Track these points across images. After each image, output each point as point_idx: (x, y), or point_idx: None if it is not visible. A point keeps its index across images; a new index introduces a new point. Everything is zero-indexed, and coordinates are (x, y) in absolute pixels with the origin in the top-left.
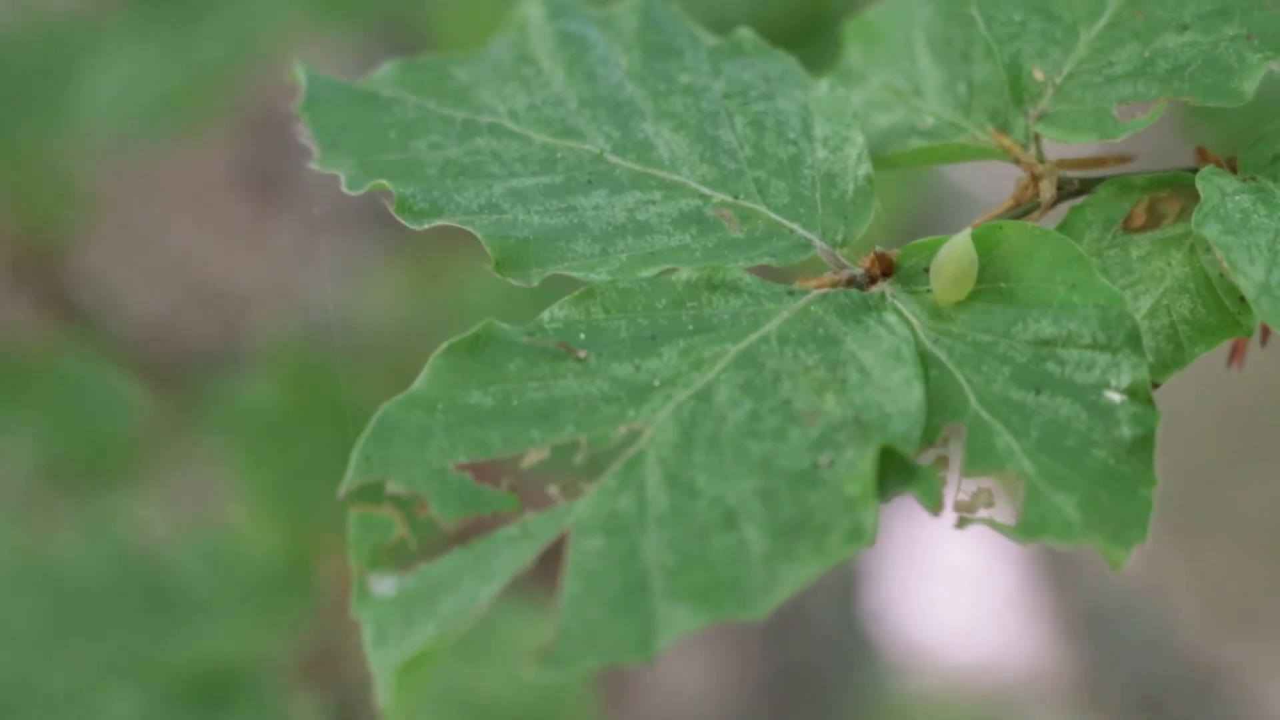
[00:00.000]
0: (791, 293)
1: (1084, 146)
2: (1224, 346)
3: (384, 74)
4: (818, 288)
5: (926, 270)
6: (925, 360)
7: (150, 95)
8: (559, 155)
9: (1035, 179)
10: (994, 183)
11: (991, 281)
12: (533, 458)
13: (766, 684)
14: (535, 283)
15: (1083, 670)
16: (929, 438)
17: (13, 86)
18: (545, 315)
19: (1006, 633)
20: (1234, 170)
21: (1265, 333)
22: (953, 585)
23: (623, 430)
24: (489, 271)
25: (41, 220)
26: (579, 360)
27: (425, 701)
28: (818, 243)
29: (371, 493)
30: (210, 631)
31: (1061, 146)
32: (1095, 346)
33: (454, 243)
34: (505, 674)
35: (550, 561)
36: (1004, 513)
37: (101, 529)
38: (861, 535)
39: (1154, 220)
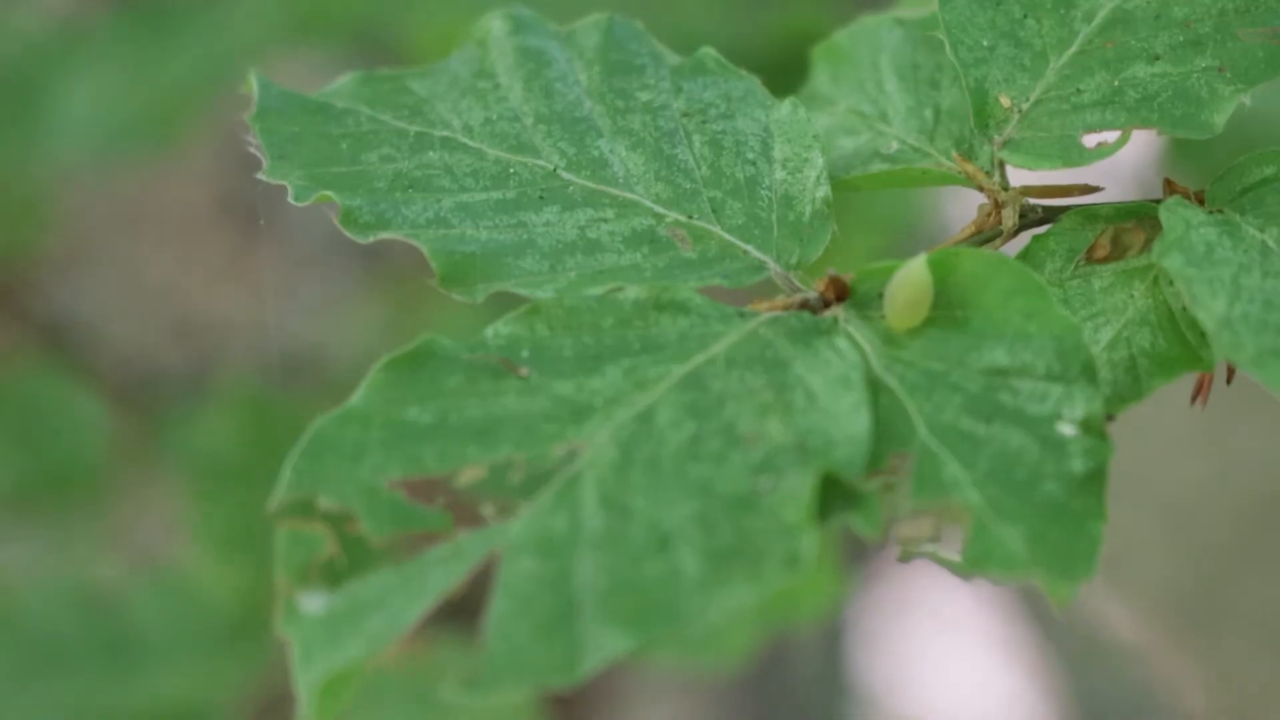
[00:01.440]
0: (742, 314)
1: (1050, 175)
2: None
3: (340, 86)
4: (770, 310)
5: (881, 295)
6: (875, 387)
7: (122, 114)
8: (512, 170)
9: (998, 206)
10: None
11: (946, 309)
12: (469, 476)
13: None
14: (480, 299)
15: None
16: (876, 466)
17: None
18: (489, 331)
19: (996, 690)
20: (1201, 203)
21: (1231, 370)
22: (944, 640)
23: (561, 450)
24: (442, 294)
25: (11, 242)
26: (520, 378)
27: None
28: (772, 265)
29: (303, 509)
30: (167, 675)
31: (1029, 175)
32: (1049, 378)
33: (430, 278)
34: (456, 717)
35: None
36: (950, 546)
37: (61, 569)
38: (798, 562)
39: (1118, 251)
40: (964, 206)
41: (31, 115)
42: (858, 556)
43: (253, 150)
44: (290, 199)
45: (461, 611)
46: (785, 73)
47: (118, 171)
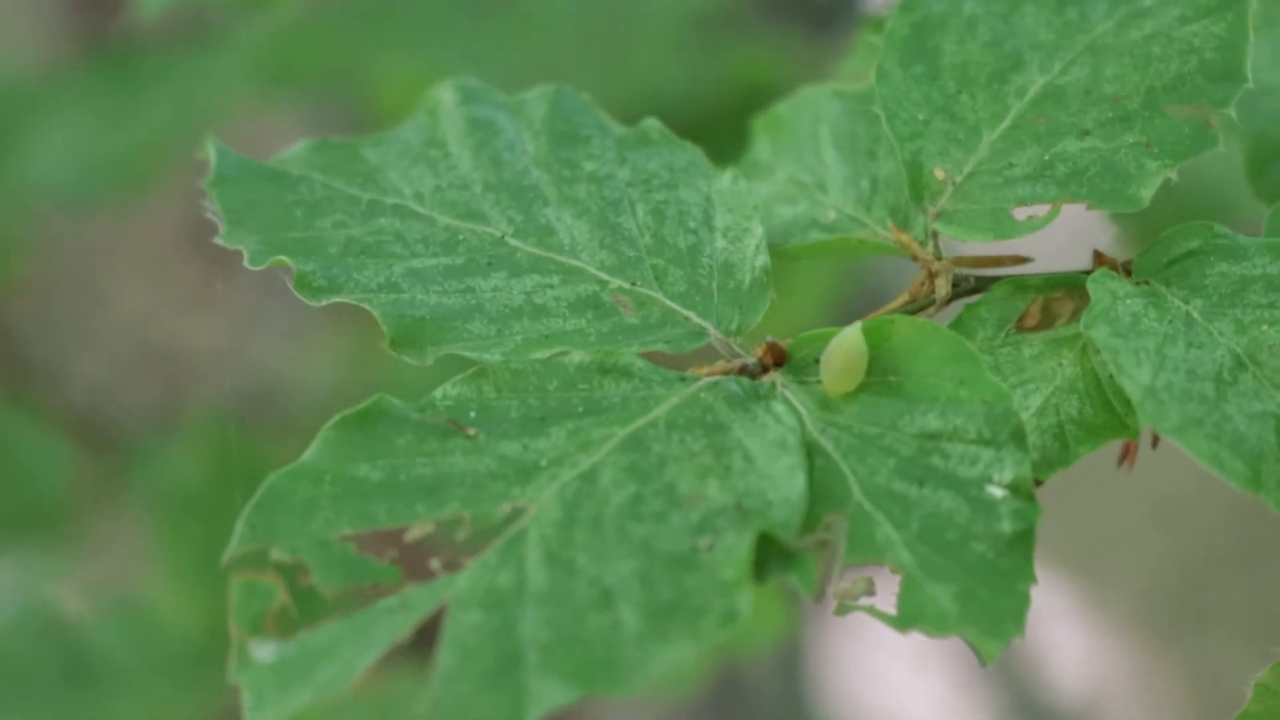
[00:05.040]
0: (683, 379)
1: (984, 246)
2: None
3: (295, 153)
4: (710, 375)
5: (818, 361)
6: (812, 450)
7: (93, 161)
8: (461, 237)
9: (931, 275)
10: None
11: (881, 374)
12: (417, 532)
13: None
14: (429, 361)
15: None
16: (811, 526)
17: None
18: (438, 393)
19: (961, 707)
20: (1129, 273)
21: (1156, 437)
22: (905, 651)
23: (507, 508)
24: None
25: None
26: (468, 438)
27: None
28: (712, 331)
29: (256, 560)
30: (129, 702)
31: (963, 245)
32: (980, 442)
33: (382, 340)
34: None
35: None
36: (885, 603)
37: (25, 598)
38: (734, 619)
39: (1048, 320)
40: (900, 272)
41: (4, 160)
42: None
43: (210, 216)
44: (246, 264)
45: (423, 639)
46: (739, 117)
47: (88, 210)
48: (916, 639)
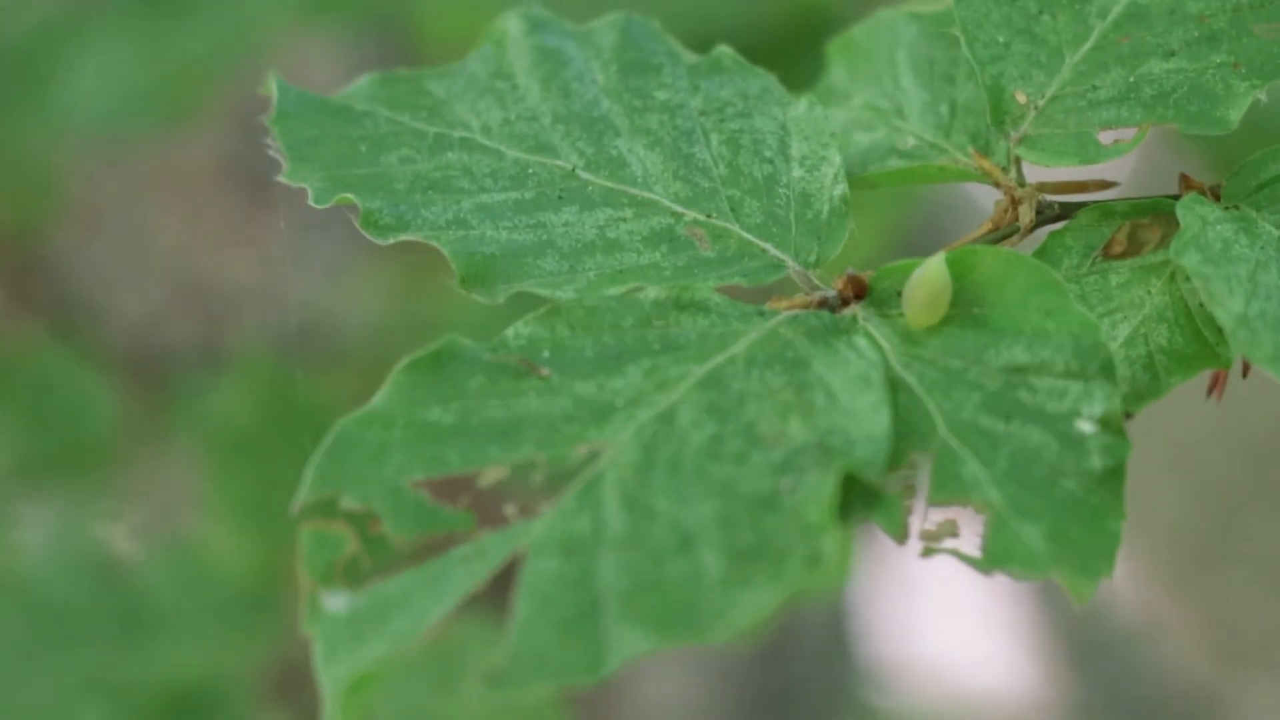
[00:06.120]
0: (761, 313)
1: (1067, 171)
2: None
3: (359, 88)
4: (789, 309)
5: (900, 294)
6: (895, 385)
7: (132, 90)
8: (530, 171)
9: (1015, 203)
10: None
11: (965, 306)
12: (491, 476)
13: (753, 702)
14: (501, 300)
15: (1081, 699)
16: (895, 464)
17: None
18: (510, 332)
19: (1002, 655)
20: (1217, 198)
21: (1246, 364)
22: (947, 604)
23: (583, 450)
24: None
25: (21, 214)
26: (542, 378)
27: None
28: (790, 263)
29: (326, 509)
30: (181, 648)
31: (1044, 171)
32: (1068, 375)
33: (450, 278)
34: (477, 697)
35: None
36: (970, 543)
37: (74, 541)
38: (819, 562)
39: (1135, 247)
40: (959, 198)
41: (42, 90)
42: (865, 531)
43: (272, 153)
44: (310, 201)
45: (490, 587)
46: (796, 43)
47: (127, 144)
48: (957, 587)
